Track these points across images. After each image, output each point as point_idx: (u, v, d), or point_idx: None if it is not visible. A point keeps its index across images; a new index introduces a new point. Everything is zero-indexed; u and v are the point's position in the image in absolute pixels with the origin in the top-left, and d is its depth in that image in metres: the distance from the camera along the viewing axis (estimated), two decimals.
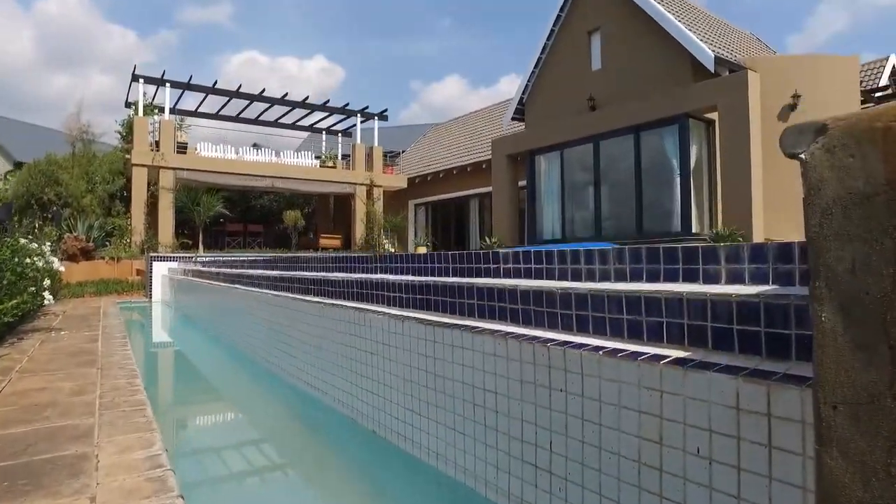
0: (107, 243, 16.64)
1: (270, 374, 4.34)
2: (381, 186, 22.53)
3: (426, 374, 2.41)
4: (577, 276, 2.10)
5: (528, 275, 2.33)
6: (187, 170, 18.84)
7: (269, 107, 22.17)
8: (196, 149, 19.98)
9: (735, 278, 1.60)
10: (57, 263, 7.18)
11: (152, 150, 18.23)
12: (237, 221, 24.15)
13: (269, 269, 5.76)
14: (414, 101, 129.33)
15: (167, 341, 7.94)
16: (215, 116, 23.14)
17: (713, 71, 10.89)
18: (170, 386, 5.07)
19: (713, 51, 10.91)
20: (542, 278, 2.25)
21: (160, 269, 11.93)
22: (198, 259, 12.00)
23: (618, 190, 13.15)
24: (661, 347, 1.56)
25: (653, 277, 1.81)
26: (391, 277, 3.16)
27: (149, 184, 17.99)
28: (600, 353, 1.60)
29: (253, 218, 25.36)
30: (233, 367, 5.36)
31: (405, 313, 2.74)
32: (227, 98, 21.00)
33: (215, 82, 19.98)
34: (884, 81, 15.75)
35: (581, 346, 1.69)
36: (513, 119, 15.80)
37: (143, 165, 17.90)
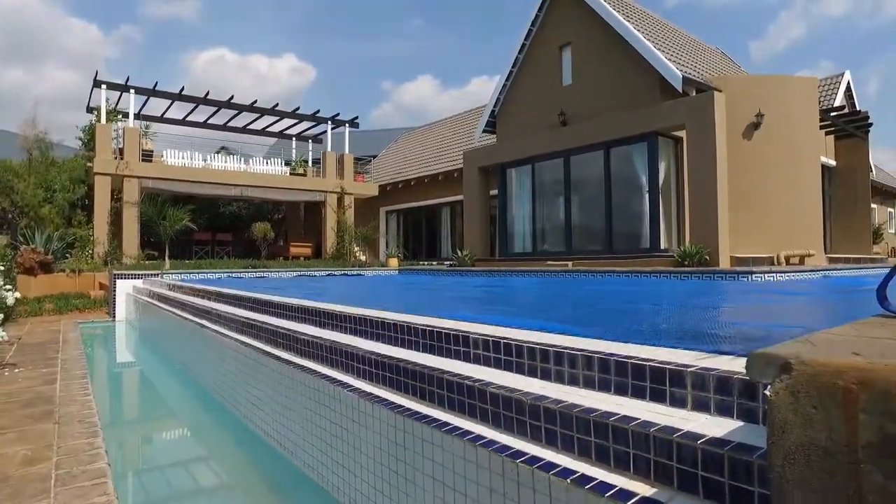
0: (67, 255, 16.10)
1: (242, 428, 4.24)
2: (351, 194, 22.36)
3: (397, 462, 2.39)
4: (546, 375, 2.10)
5: (497, 365, 2.33)
6: (153, 178, 18.40)
7: (238, 113, 21.79)
8: (162, 156, 19.54)
9: (701, 405, 1.63)
10: (10, 296, 6.90)
11: (116, 159, 17.74)
12: (205, 230, 23.70)
13: (237, 307, 5.65)
14: (386, 101, 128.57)
15: (131, 379, 7.69)
16: (182, 122, 22.68)
17: (681, 90, 11.09)
18: (134, 440, 4.92)
19: (681, 70, 11.11)
20: (511, 370, 2.26)
21: (124, 287, 11.61)
22: (164, 276, 11.72)
23: (588, 205, 13.31)
24: (629, 478, 1.57)
25: (621, 390, 1.83)
26: (362, 346, 3.12)
27: (112, 192, 17.51)
28: (569, 479, 1.60)
29: (221, 226, 24.90)
30: (203, 416, 5.22)
31: (376, 391, 2.71)
32: (195, 105, 20.61)
33: (182, 88, 19.57)
34: (838, 101, 16.28)
35: (551, 466, 1.69)
36: (484, 131, 15.85)
37: (106, 174, 17.41)
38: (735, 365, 1.66)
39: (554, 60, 13.80)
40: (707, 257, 10.25)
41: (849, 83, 17.64)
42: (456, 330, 2.66)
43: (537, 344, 2.19)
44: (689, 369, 1.69)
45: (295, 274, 13.47)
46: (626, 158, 12.27)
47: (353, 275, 14.01)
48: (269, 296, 5.22)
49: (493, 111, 15.34)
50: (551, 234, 14.06)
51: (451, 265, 15.04)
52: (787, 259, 11.56)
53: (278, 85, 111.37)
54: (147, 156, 18.79)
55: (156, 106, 20.65)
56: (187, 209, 15.05)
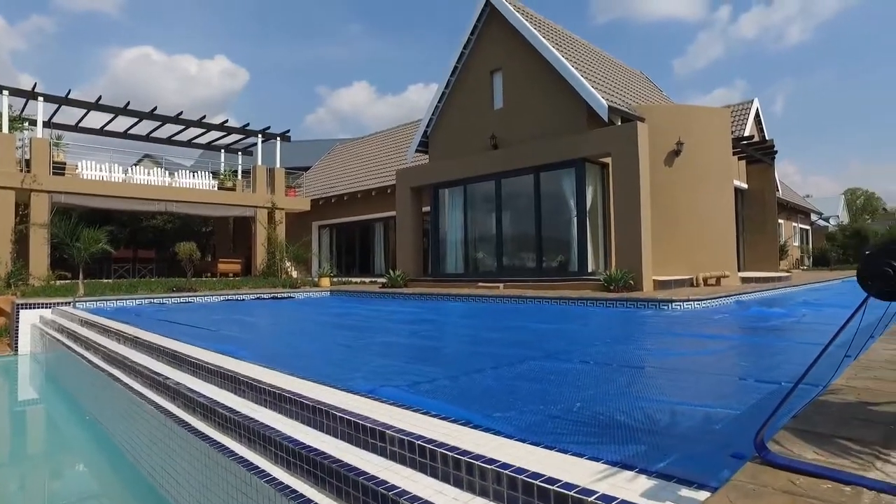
0: None
1: (160, 501, 3.98)
2: (283, 209, 21.80)
3: None
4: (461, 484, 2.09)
5: (413, 465, 2.30)
6: (66, 193, 17.24)
7: (161, 125, 20.80)
8: (77, 167, 18.35)
9: None
10: None
11: (21, 171, 16.50)
12: (126, 247, 22.44)
13: (151, 355, 5.34)
14: (321, 106, 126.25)
15: (29, 429, 7.02)
16: (100, 132, 21.39)
17: (606, 119, 11.51)
18: None
19: (607, 100, 11.53)
20: (427, 474, 2.24)
21: (29, 318, 10.78)
22: (76, 304, 10.97)
23: (519, 228, 13.57)
24: None
25: None
26: (281, 428, 3.01)
27: (19, 207, 16.26)
28: None
29: (144, 241, 23.64)
30: (112, 481, 4.85)
31: (295, 484, 2.62)
32: (113, 115, 19.50)
33: (99, 98, 18.50)
34: (749, 127, 17.43)
35: None
36: (417, 151, 15.86)
37: (10, 188, 16.15)
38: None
39: (485, 84, 14.01)
40: (632, 281, 10.65)
41: (757, 110, 18.91)
42: (373, 424, 2.61)
43: (451, 451, 2.18)
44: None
45: (222, 298, 12.95)
46: (556, 183, 12.60)
47: (282, 298, 13.63)
48: (185, 347, 4.97)
49: (425, 131, 15.38)
50: (483, 256, 14.23)
51: (383, 285, 14.91)
52: (706, 280, 12.20)
53: (209, 88, 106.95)
54: (59, 168, 17.60)
55: (71, 112, 19.35)
56: (105, 229, 14.11)
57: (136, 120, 20.25)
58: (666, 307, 8.37)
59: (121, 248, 23.12)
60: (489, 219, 13.80)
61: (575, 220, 12.11)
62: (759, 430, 1.57)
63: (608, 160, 12.00)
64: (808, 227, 34.61)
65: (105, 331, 7.05)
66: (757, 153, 15.47)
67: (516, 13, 13.08)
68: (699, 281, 12.07)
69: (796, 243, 30.64)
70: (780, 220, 27.20)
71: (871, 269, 1.44)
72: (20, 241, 16.22)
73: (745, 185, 16.32)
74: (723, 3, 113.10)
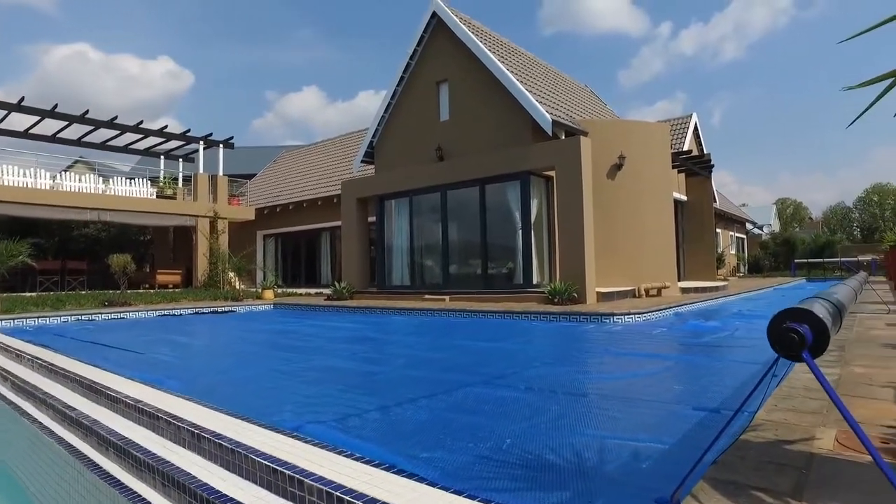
0: None
1: None
2: (225, 218, 21.12)
3: None
4: None
5: None
6: None
7: (93, 129, 19.79)
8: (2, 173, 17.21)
9: None
10: None
11: None
12: (55, 258, 21.19)
13: (70, 387, 4.96)
14: (269, 111, 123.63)
15: None
16: (25, 135, 20.15)
17: (550, 133, 11.66)
18: None
19: (551, 114, 11.68)
20: None
21: None
22: None
23: (465, 240, 13.58)
24: None
25: None
26: (196, 477, 2.81)
27: None
28: None
29: (75, 251, 22.36)
30: None
31: None
32: (39, 117, 18.41)
33: (22, 99, 17.41)
34: (688, 140, 18.09)
35: None
36: (363, 161, 15.66)
37: None
38: None
39: (431, 95, 13.98)
40: (575, 294, 10.79)
41: (696, 124, 19.66)
42: (292, 471, 2.46)
43: None
44: None
45: (158, 313, 12.35)
46: (501, 196, 12.67)
47: (222, 312, 13.12)
48: (105, 376, 4.63)
49: (371, 141, 15.21)
50: (429, 268, 14.16)
51: (328, 297, 14.61)
52: (647, 291, 12.52)
53: (151, 89, 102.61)
54: None
55: None
56: (28, 241, 13.22)
57: (65, 123, 19.20)
58: (607, 321, 8.49)
59: (49, 258, 21.90)
60: (435, 231, 13.74)
61: (520, 232, 12.20)
62: (676, 490, 1.53)
63: (553, 173, 12.17)
64: (743, 235, 36.25)
65: (18, 356, 6.55)
66: (695, 166, 16.04)
67: (462, 25, 13.12)
68: (641, 292, 12.37)
69: (733, 251, 32.00)
70: (718, 230, 28.39)
71: (778, 334, 1.43)
72: None
73: (684, 198, 16.89)
74: (664, 19, 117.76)
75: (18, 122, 19.24)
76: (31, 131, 19.91)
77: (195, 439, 3.18)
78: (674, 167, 14.81)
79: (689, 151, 16.20)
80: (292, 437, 2.99)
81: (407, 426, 3.13)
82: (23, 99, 17.55)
